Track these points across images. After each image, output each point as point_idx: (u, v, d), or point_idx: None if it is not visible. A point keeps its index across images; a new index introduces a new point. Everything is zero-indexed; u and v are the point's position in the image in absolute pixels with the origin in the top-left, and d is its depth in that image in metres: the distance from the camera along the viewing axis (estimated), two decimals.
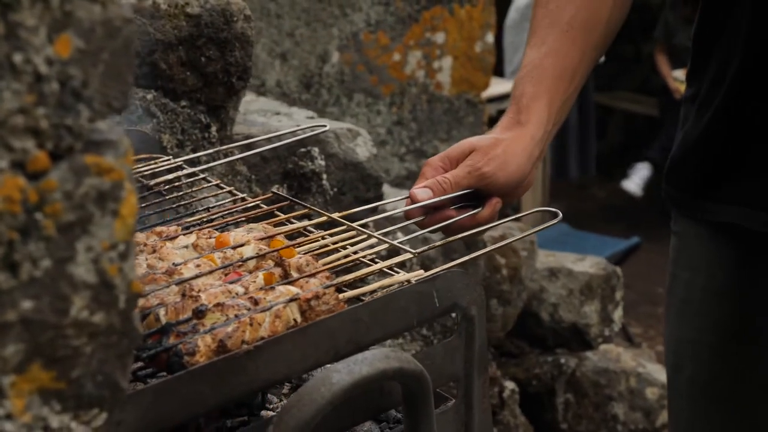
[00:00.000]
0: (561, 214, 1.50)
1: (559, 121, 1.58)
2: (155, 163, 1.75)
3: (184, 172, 1.71)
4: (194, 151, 2.11)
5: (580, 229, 5.95)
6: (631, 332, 5.19)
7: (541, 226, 1.51)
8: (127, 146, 0.78)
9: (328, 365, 1.14)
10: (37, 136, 0.71)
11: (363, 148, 2.46)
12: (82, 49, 0.73)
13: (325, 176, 2.37)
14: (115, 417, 1.03)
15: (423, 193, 1.49)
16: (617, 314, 3.23)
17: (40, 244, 0.71)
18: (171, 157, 1.77)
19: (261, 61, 3.99)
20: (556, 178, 7.05)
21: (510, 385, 2.92)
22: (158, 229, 1.44)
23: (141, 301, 1.23)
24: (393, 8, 4.33)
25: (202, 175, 1.70)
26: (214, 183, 1.68)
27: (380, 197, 2.50)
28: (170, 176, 1.69)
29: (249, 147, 1.95)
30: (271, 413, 1.35)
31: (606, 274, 3.19)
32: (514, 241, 1.58)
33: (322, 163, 2.37)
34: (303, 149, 2.35)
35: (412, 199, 1.49)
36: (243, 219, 1.53)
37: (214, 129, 2.16)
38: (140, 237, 1.41)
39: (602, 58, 6.35)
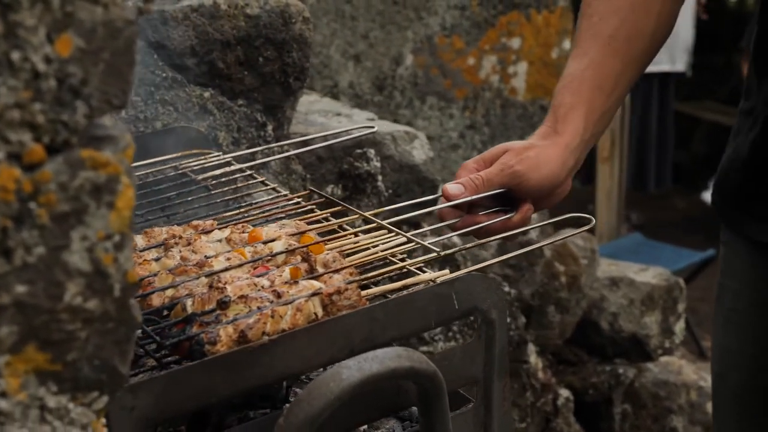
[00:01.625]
0: (594, 221, 1.50)
1: (598, 132, 1.58)
2: (204, 159, 1.80)
3: (232, 168, 1.76)
4: (249, 149, 2.16)
5: (658, 239, 5.88)
6: (704, 346, 5.11)
7: (572, 233, 1.52)
8: (128, 142, 0.82)
9: (343, 362, 1.16)
10: (33, 130, 0.75)
11: (419, 151, 2.48)
12: (82, 48, 0.77)
13: (380, 178, 2.39)
14: (128, 402, 1.08)
15: (455, 189, 1.50)
16: (679, 326, 3.19)
17: (34, 232, 0.76)
18: (221, 153, 1.82)
19: (334, 62, 4.04)
20: (634, 189, 6.97)
21: (564, 393, 2.91)
22: (195, 222, 1.49)
23: (171, 292, 1.28)
24: (469, 13, 4.34)
25: (249, 172, 1.75)
26: (260, 180, 1.73)
27: (436, 200, 2.51)
28: (218, 172, 1.74)
29: (301, 146, 1.99)
30: None
31: (668, 285, 3.15)
32: (536, 247, 1.59)
33: (378, 164, 2.40)
34: (359, 150, 2.38)
35: (445, 196, 1.50)
36: (281, 215, 1.57)
37: (270, 128, 2.20)
38: (177, 230, 1.45)
39: (688, 70, 6.14)
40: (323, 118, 2.58)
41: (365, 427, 1.42)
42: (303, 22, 2.18)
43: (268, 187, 1.69)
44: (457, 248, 1.47)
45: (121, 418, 1.07)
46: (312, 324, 1.20)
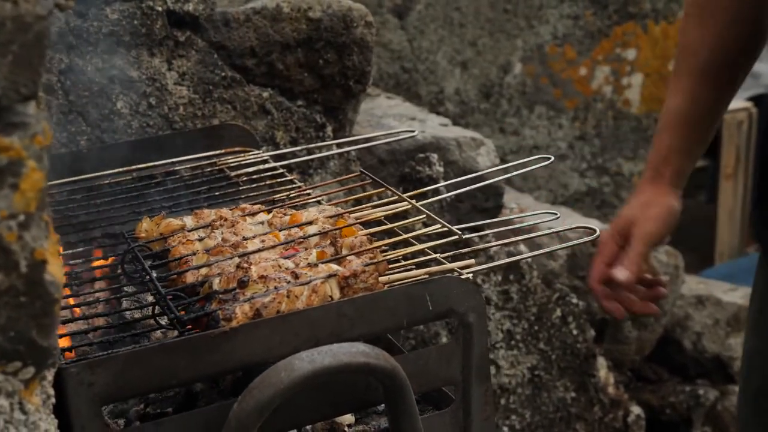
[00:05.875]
0: (598, 231, 1.51)
1: (699, 155, 1.71)
2: (244, 156, 1.87)
3: (266, 166, 1.82)
4: (312, 150, 2.21)
5: None
6: None
7: (573, 242, 1.52)
8: (40, 130, 0.88)
9: (298, 353, 1.20)
10: None
11: (485, 158, 2.49)
12: None
13: (442, 182, 2.41)
14: (86, 378, 1.14)
15: (623, 274, 1.62)
16: None
17: None
18: (260, 151, 1.89)
19: (441, 69, 4.06)
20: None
21: (636, 410, 2.85)
22: (243, 205, 1.57)
23: (204, 270, 1.35)
24: (582, 22, 4.29)
25: (281, 170, 1.81)
26: (290, 178, 1.78)
27: (499, 207, 2.52)
28: (251, 169, 1.81)
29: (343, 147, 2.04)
30: None
31: None
32: (534, 255, 1.59)
33: (441, 169, 2.41)
34: (421, 154, 2.41)
35: (612, 276, 1.62)
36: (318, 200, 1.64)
37: (329, 129, 2.25)
38: (225, 212, 1.53)
39: None
40: (396, 121, 2.62)
41: (352, 421, 1.44)
42: (365, 26, 2.22)
43: (296, 185, 1.74)
44: (483, 232, 1.52)
45: (78, 393, 1.13)
46: (276, 315, 1.24)
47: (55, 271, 0.93)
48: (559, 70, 4.30)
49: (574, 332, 2.67)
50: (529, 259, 2.56)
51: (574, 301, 2.66)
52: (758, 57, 1.68)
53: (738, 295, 3.08)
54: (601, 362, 2.77)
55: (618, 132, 4.44)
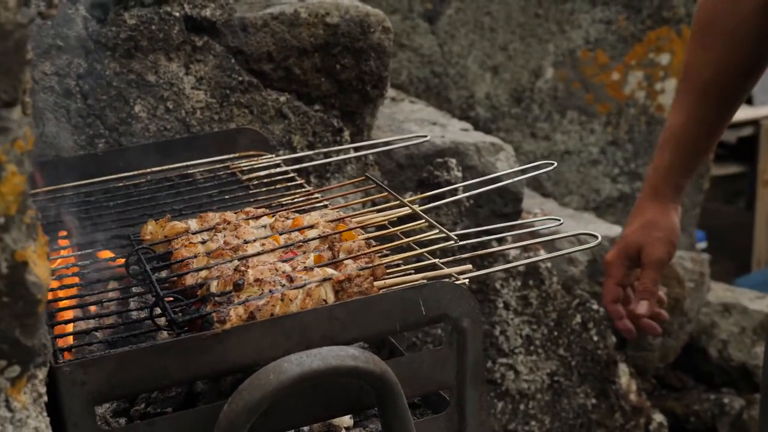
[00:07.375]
0: (599, 237, 1.51)
1: (698, 169, 1.80)
2: (257, 160, 1.89)
3: (277, 170, 1.84)
4: (325, 154, 2.22)
5: None
6: None
7: (574, 249, 1.52)
8: (21, 135, 0.90)
9: (288, 356, 1.21)
10: None
11: (504, 163, 2.49)
12: None
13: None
14: (79, 378, 1.17)
15: (644, 308, 1.79)
16: None
17: None
18: (273, 155, 1.91)
19: (471, 73, 4.06)
20: None
21: (658, 417, 2.83)
22: (247, 209, 1.59)
23: (204, 273, 1.38)
24: (615, 27, 4.27)
25: (291, 174, 1.82)
26: (299, 182, 1.80)
27: (518, 212, 2.52)
28: (262, 173, 1.83)
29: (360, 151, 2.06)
30: None
31: None
32: (538, 260, 1.59)
33: (459, 174, 2.42)
34: (440, 159, 2.41)
35: (634, 310, 1.80)
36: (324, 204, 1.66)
37: (346, 133, 2.27)
38: (229, 215, 1.55)
39: None
40: (417, 126, 2.63)
41: (351, 423, 1.45)
42: (382, 31, 2.24)
43: (305, 189, 1.76)
44: (476, 239, 1.52)
45: (71, 392, 1.16)
46: (268, 318, 1.26)
47: (41, 272, 0.96)
48: (591, 75, 4.28)
49: (595, 338, 2.66)
50: (549, 264, 2.56)
51: (595, 307, 2.65)
52: (760, 79, 1.70)
53: (765, 304, 3.05)
54: (623, 369, 2.76)
55: (651, 137, 4.41)
